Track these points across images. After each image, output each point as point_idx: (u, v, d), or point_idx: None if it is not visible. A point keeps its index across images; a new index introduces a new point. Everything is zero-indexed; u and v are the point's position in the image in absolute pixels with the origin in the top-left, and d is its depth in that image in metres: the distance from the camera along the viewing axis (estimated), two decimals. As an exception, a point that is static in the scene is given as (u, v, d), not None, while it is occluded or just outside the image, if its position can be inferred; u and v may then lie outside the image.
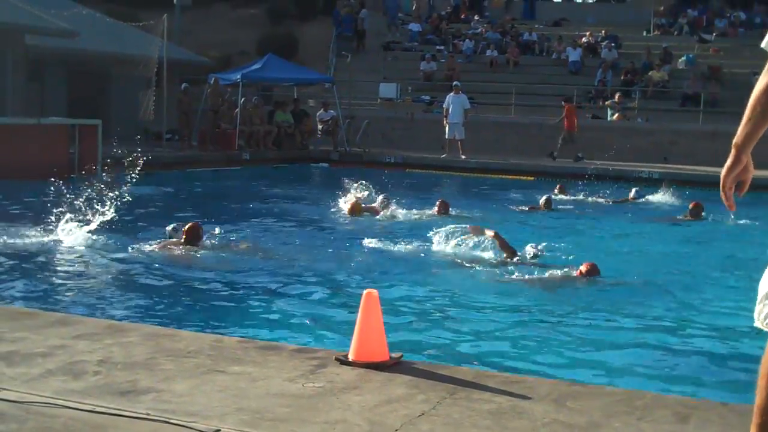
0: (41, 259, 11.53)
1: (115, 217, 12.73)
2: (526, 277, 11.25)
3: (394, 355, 5.62)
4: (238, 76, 28.74)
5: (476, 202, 19.95)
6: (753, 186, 3.79)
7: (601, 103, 33.21)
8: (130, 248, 12.34)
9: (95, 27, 29.29)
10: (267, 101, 31.92)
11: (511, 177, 26.14)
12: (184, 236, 12.30)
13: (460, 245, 12.83)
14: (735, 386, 7.26)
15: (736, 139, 3.59)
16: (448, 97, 29.26)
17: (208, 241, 12.59)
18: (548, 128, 30.54)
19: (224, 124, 28.55)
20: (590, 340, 8.60)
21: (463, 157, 28.25)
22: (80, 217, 12.63)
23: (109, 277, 10.75)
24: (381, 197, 17.06)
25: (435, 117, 32.32)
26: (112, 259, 11.70)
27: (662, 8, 42.53)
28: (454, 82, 30.15)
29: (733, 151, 3.61)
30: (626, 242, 15.40)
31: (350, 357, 5.55)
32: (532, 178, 26.21)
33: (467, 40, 39.24)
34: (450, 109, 28.76)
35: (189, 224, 12.56)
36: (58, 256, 11.79)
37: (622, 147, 28.38)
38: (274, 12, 42.80)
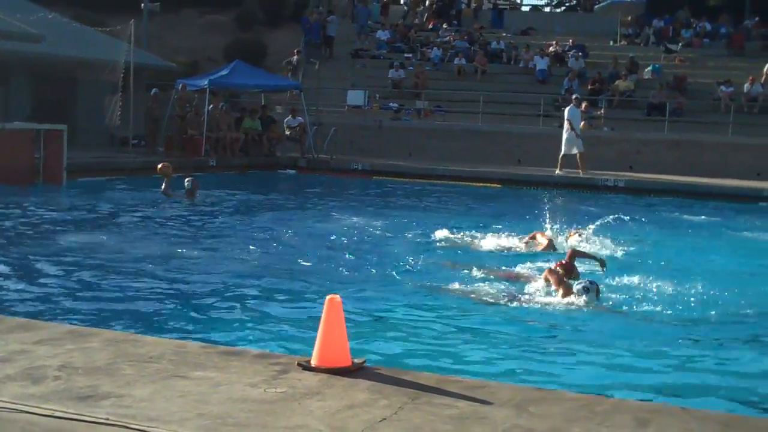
0: (6, 263, 11.43)
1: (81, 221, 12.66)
2: (491, 284, 11.27)
3: (356, 360, 5.62)
4: (206, 82, 28.65)
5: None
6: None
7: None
8: (93, 252, 12.29)
9: (61, 31, 29.06)
10: (234, 107, 31.84)
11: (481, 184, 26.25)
12: (561, 272, 11.09)
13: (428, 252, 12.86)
14: (695, 391, 7.32)
15: None
16: (568, 109, 27.78)
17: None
18: (515, 136, 30.69)
19: (191, 130, 28.45)
20: (554, 346, 8.63)
21: (581, 173, 27.03)
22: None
23: (74, 282, 10.66)
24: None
25: (403, 124, 32.42)
26: (76, 264, 11.62)
27: (629, 18, 42.84)
28: (574, 95, 29.04)
29: None
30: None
31: (313, 362, 5.54)
32: (499, 186, 26.30)
33: (435, 48, 39.33)
34: (573, 122, 27.26)
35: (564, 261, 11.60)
36: (22, 261, 11.70)
37: (588, 155, 28.57)
38: (242, 18, 42.72)
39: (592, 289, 10.15)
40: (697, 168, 27.83)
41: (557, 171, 27.26)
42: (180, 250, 13.05)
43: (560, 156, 27.32)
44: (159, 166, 19.79)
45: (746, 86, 32.66)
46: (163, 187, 19.28)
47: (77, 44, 29.25)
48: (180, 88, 28.80)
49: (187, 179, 19.40)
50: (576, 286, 10.27)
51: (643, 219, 17.67)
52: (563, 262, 11.56)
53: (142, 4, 35.73)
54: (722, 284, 11.36)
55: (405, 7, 46.94)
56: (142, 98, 28.14)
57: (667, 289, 11.04)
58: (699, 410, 5.24)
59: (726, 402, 7.02)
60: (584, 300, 10.04)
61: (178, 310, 9.51)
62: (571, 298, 10.13)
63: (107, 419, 4.52)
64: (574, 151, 27.23)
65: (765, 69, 34.10)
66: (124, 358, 5.62)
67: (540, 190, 25.39)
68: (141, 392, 4.98)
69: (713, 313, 9.86)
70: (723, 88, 32.54)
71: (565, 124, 27.34)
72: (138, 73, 27.92)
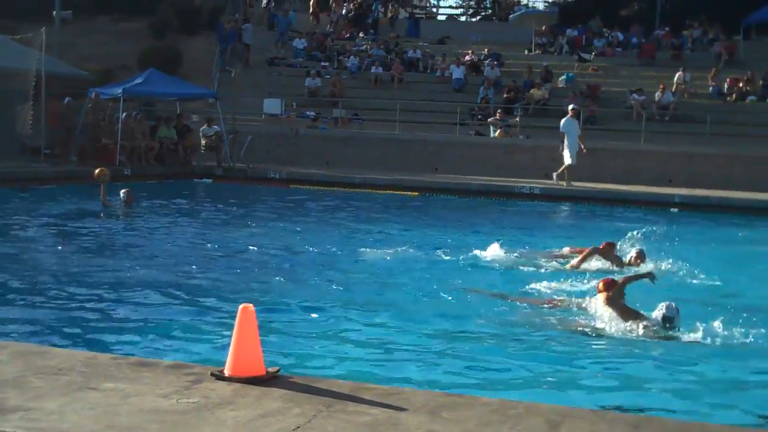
0: None
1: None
2: (405, 289, 11.32)
3: (270, 369, 5.59)
4: (120, 91, 28.28)
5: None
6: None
7: (483, 119, 33.63)
8: (2, 263, 12.06)
9: (-31, 39, 28.51)
10: (149, 116, 31.46)
11: (398, 192, 26.31)
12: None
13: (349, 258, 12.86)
14: (606, 394, 7.43)
15: None
16: (564, 120, 27.55)
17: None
18: (432, 144, 30.87)
19: (105, 138, 28.06)
20: (469, 351, 8.68)
21: (563, 184, 27.18)
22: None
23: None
24: (635, 251, 14.07)
25: (319, 133, 32.39)
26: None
27: (543, 28, 43.41)
28: (571, 105, 28.80)
29: None
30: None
31: (226, 372, 5.50)
32: (417, 194, 26.39)
33: (352, 56, 39.41)
34: (568, 134, 27.15)
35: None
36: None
37: (504, 163, 28.89)
38: (156, 26, 42.24)
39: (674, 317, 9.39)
40: (611, 175, 28.32)
41: (564, 183, 27.18)
42: (92, 260, 12.86)
43: (563, 168, 27.31)
44: (96, 171, 19.91)
45: (657, 95, 33.33)
46: (101, 195, 19.11)
47: (-14, 52, 28.65)
48: (93, 96, 28.38)
49: (122, 191, 19.32)
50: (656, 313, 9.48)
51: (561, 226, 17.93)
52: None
53: (54, 12, 35.14)
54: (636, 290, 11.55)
55: (330, 16, 46.83)
56: (53, 107, 27.63)
57: (576, 294, 11.20)
58: (609, 412, 5.34)
59: (637, 402, 7.14)
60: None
61: (90, 321, 9.36)
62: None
63: (14, 433, 4.43)
64: (573, 161, 27.10)
65: (675, 78, 34.87)
66: (32, 371, 5.51)
67: (457, 198, 25.58)
68: (50, 405, 4.88)
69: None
70: (635, 96, 33.17)
71: (564, 137, 27.29)
72: (50, 82, 27.44)
